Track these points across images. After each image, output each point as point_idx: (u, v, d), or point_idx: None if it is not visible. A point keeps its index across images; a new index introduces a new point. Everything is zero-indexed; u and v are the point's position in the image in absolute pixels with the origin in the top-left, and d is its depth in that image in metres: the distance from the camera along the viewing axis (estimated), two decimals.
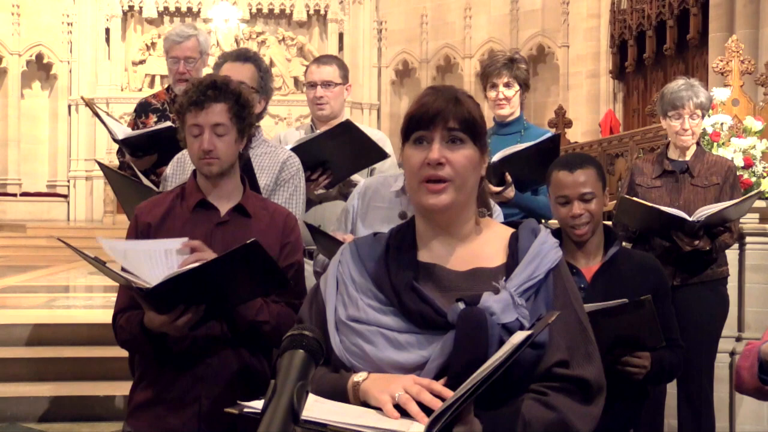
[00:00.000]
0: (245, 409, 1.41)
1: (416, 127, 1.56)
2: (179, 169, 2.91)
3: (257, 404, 1.39)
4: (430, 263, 1.58)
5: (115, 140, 3.47)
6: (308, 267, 2.89)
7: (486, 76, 3.46)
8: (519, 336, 1.38)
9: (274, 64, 16.71)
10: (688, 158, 3.70)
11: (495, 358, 1.35)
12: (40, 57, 16.40)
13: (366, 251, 1.62)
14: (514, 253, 1.55)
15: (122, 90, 16.37)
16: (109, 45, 16.54)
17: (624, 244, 3.03)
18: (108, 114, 3.76)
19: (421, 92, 1.62)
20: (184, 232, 2.30)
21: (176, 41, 3.87)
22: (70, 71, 16.41)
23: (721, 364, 4.28)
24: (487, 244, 1.60)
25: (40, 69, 16.50)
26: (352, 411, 1.42)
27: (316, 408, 1.34)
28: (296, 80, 16.35)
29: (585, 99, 13.78)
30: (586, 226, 2.49)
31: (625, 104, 13.32)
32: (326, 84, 3.50)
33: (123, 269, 2.12)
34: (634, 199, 3.40)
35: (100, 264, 2.10)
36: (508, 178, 3.17)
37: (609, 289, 2.42)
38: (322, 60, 3.62)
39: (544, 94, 14.72)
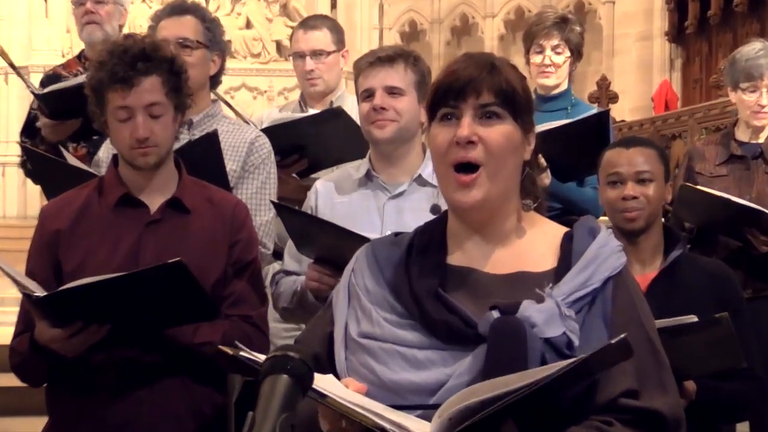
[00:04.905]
0: (241, 353, 1.44)
1: (443, 100, 1.57)
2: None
3: (259, 355, 1.42)
4: (462, 267, 1.60)
5: (36, 95, 3.41)
6: (276, 267, 2.88)
7: (531, 37, 3.47)
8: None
9: (252, 25, 16.71)
10: (761, 140, 3.68)
11: (536, 373, 1.35)
12: None
13: (384, 255, 1.63)
14: (567, 257, 1.56)
15: (63, 56, 16.31)
16: (46, 1, 16.55)
17: None
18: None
19: (451, 59, 1.63)
20: (105, 237, 2.26)
21: None
22: None
23: None
24: (534, 244, 1.61)
25: None
26: (357, 396, 1.45)
27: (319, 379, 1.38)
28: (279, 45, 16.32)
29: (634, 67, 13.74)
30: (639, 212, 2.48)
31: (685, 73, 13.28)
32: (317, 54, 3.52)
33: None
34: (698, 187, 3.38)
35: None
36: (542, 161, 3.18)
37: (668, 302, 2.41)
38: (310, 23, 3.63)
39: (583, 61, 14.62)
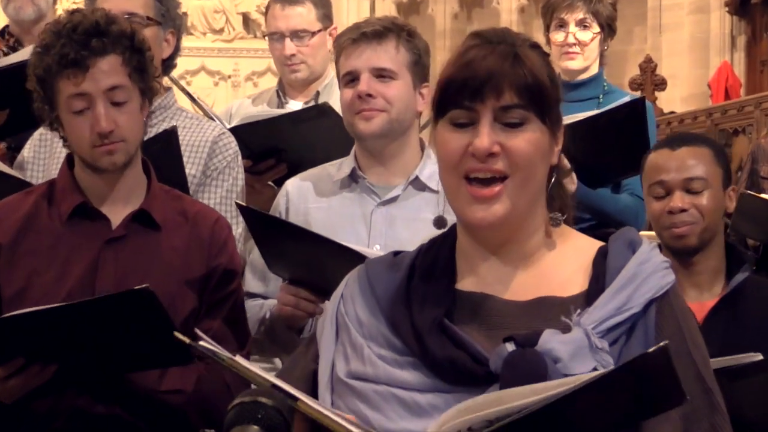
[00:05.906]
0: (201, 342, 1.47)
1: (455, 100, 1.58)
2: (44, 151, 2.90)
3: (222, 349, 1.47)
4: (474, 292, 1.61)
5: None
6: None
7: (550, 10, 3.48)
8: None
9: None
10: None
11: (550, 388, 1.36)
12: None
13: (381, 279, 1.66)
14: (600, 276, 1.57)
15: None
16: None
17: None
18: None
19: (463, 42, 1.63)
20: (54, 255, 2.26)
21: None
22: None
23: None
24: (561, 263, 1.63)
25: None
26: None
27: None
28: (246, 18, 16.35)
29: (687, 46, 13.77)
30: (689, 227, 2.50)
31: (749, 54, 13.32)
32: (298, 34, 3.52)
33: None
34: (763, 195, 3.40)
35: None
36: (565, 162, 3.18)
37: (730, 336, 2.42)
38: None
39: (623, 39, 14.70)
